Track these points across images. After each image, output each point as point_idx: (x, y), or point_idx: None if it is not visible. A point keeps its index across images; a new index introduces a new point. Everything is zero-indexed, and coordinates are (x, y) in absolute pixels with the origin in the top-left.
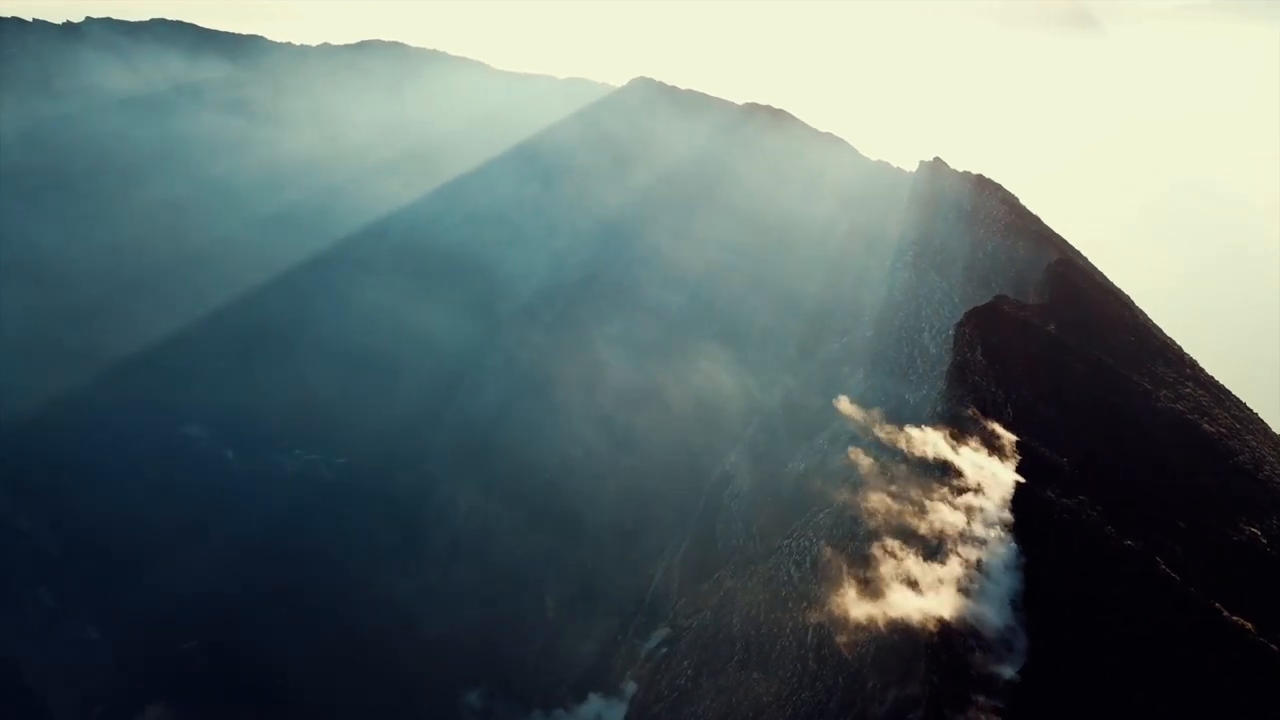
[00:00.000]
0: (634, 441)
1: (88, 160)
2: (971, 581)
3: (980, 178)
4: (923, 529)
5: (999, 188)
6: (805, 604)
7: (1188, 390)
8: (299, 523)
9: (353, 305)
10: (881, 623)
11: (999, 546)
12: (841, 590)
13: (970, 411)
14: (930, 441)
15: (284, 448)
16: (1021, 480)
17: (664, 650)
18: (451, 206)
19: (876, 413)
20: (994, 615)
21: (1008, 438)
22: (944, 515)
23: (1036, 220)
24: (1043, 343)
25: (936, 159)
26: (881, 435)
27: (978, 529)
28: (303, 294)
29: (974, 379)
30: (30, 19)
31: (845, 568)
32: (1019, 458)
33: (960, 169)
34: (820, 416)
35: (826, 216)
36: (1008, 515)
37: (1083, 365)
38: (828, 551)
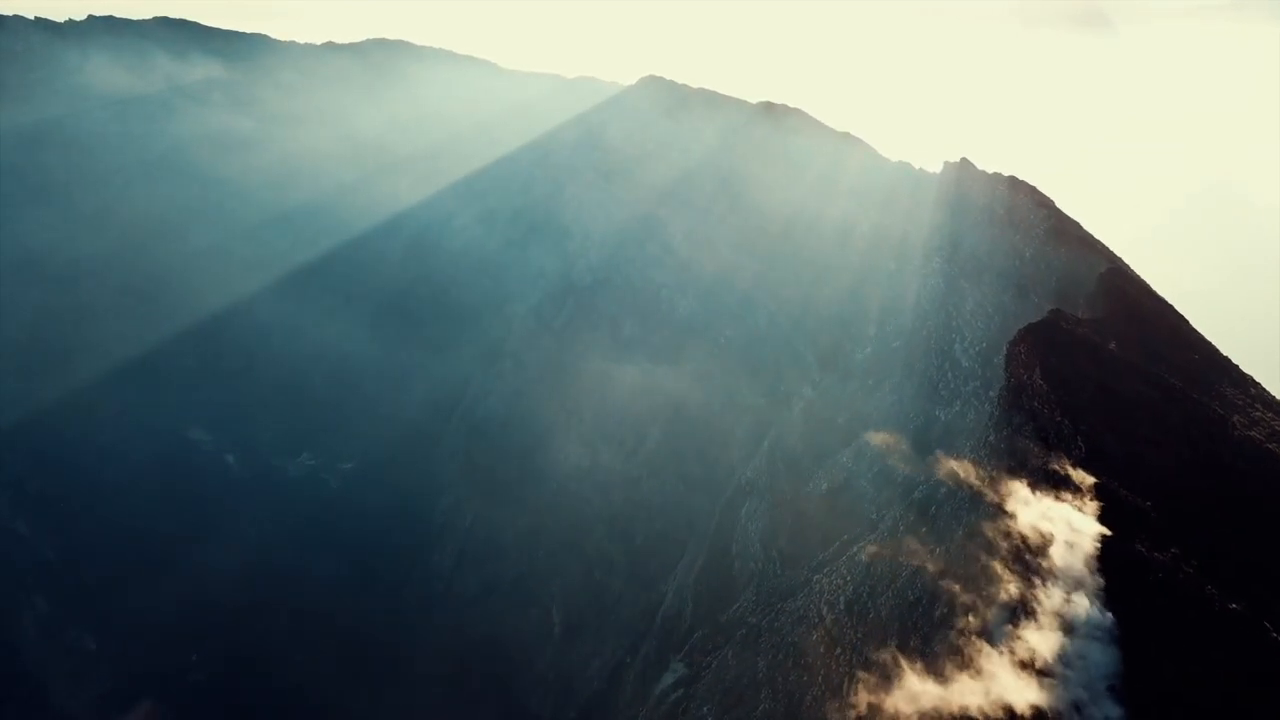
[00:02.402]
0: (643, 451)
1: (90, 160)
2: (1057, 661)
3: (1013, 179)
4: (992, 592)
5: (1034, 190)
6: (839, 650)
7: (1259, 414)
8: (300, 530)
9: (359, 307)
10: (946, 715)
11: (1088, 615)
12: (894, 668)
13: (1031, 443)
14: (987, 479)
15: (287, 453)
16: (1107, 532)
17: (679, 692)
18: (460, 207)
19: (902, 440)
20: (1089, 704)
21: (1083, 477)
22: (1015, 575)
23: (1077, 225)
24: (1106, 364)
25: (963, 159)
26: (918, 470)
27: (1060, 594)
28: (308, 296)
29: (1032, 405)
30: (33, 17)
31: (893, 634)
32: (1100, 502)
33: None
34: (843, 432)
35: (845, 219)
36: (1094, 576)
37: (1152, 390)
38: (870, 607)
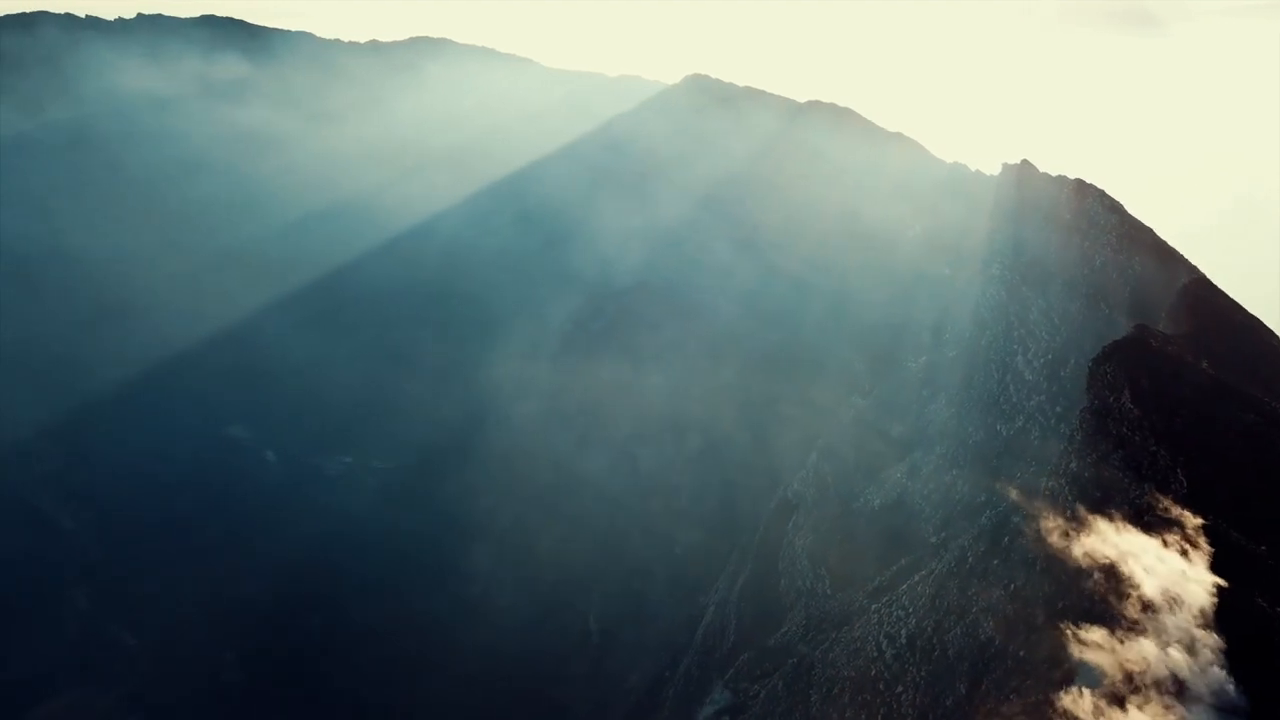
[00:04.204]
0: (683, 458)
1: (135, 157)
2: None
3: (1079, 182)
4: (1078, 640)
5: (1102, 193)
6: (901, 689)
7: None
8: (337, 530)
9: (398, 306)
10: None
11: (1206, 682)
12: (966, 714)
13: (1120, 474)
14: (1069, 510)
15: (325, 451)
16: (1222, 582)
17: None
18: (500, 206)
19: (961, 456)
20: None
21: (1186, 516)
22: (1126, 641)
23: (1150, 231)
24: (1202, 386)
25: (1024, 161)
26: (978, 489)
27: (1175, 657)
28: (344, 295)
29: (1121, 430)
30: (83, 15)
31: (962, 675)
32: (1211, 547)
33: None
34: (897, 444)
35: (897, 222)
36: (1210, 635)
37: (1255, 415)
38: (936, 643)
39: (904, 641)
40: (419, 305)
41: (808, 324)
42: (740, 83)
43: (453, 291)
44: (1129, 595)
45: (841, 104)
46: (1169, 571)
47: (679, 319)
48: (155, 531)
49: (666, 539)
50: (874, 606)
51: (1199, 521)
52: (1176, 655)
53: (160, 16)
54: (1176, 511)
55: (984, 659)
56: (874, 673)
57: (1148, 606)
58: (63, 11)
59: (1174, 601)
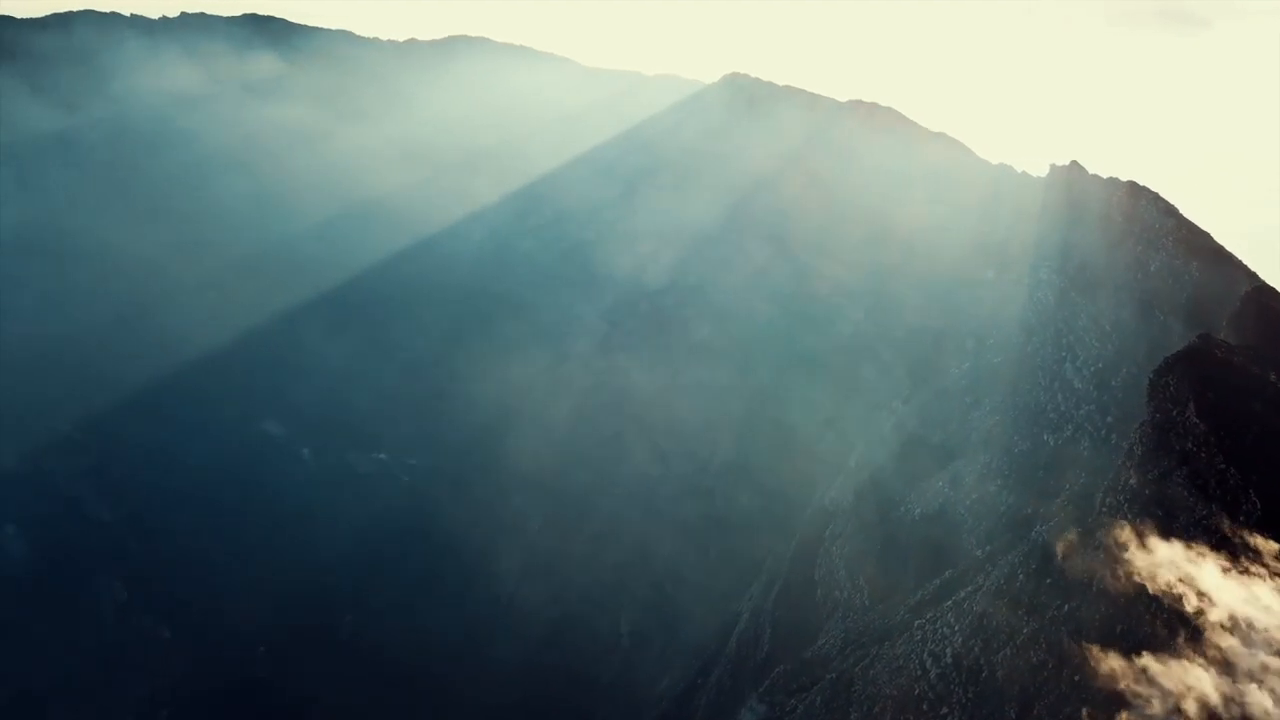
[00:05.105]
0: (716, 462)
1: (170, 154)
2: None
3: (1132, 184)
4: (1143, 685)
5: (1157, 196)
6: (945, 710)
7: None
8: (369, 527)
9: (432, 305)
10: None
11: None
12: None
13: (1185, 492)
14: (1130, 529)
15: (358, 448)
16: None
17: None
18: (534, 206)
19: (1006, 466)
20: None
21: (1263, 543)
22: (1188, 671)
23: (1208, 236)
24: (1274, 401)
25: (1073, 162)
26: (1024, 501)
27: (1244, 691)
28: (382, 291)
29: (1185, 447)
30: (129, 14)
31: (1013, 700)
32: None
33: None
34: (938, 453)
35: (940, 224)
36: None
37: None
38: (984, 664)
39: (949, 661)
40: (453, 304)
41: (846, 327)
42: (779, 81)
43: (486, 291)
44: (1194, 623)
45: (883, 103)
46: (1238, 599)
47: (713, 320)
48: (190, 525)
49: (699, 544)
50: (917, 623)
51: (1276, 547)
52: (1245, 688)
53: (203, 15)
54: (1248, 535)
55: (1035, 683)
56: (917, 692)
57: (1214, 636)
58: (108, 10)
59: (1244, 631)
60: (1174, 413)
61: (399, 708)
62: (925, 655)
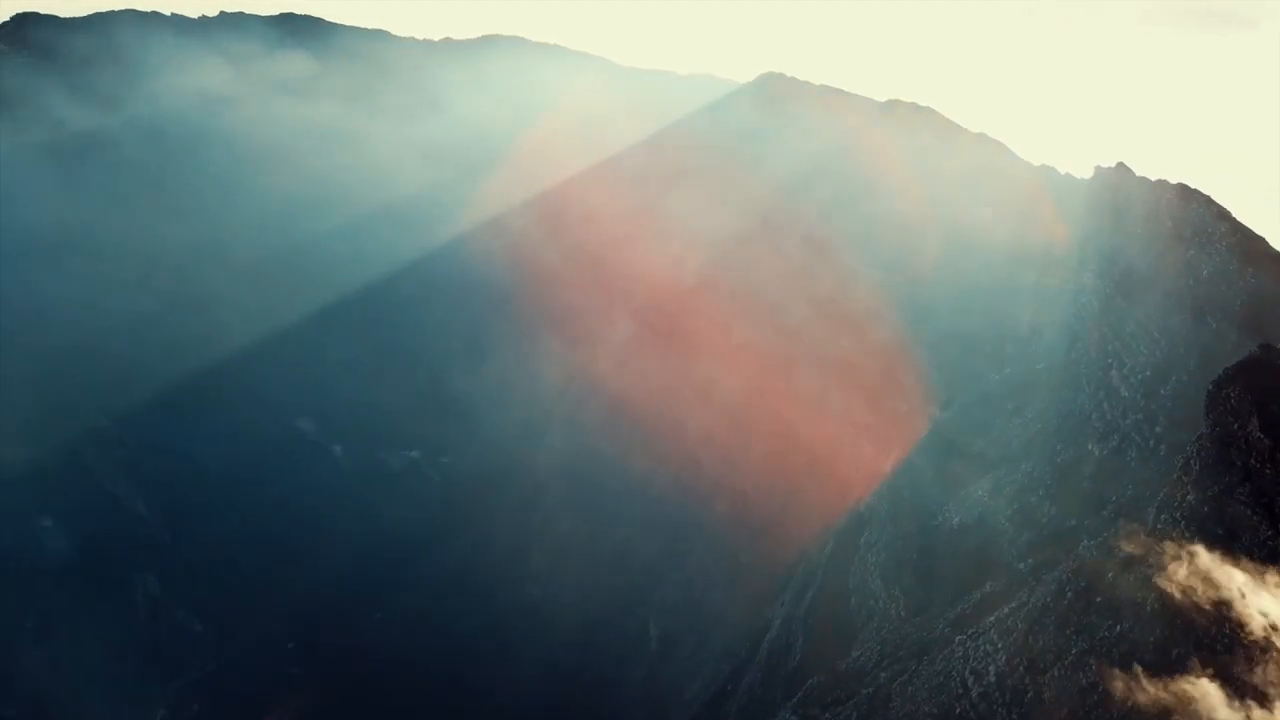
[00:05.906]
0: (749, 465)
1: (206, 153)
2: None
3: (1182, 187)
4: (1203, 710)
5: (1209, 200)
6: None
7: None
8: (400, 524)
9: (466, 303)
10: None
11: None
12: None
13: (1247, 510)
14: (1186, 548)
15: (391, 445)
16: None
17: None
18: (567, 206)
19: (1048, 476)
20: None
21: None
22: (1249, 705)
23: (1264, 241)
24: None
25: (1120, 164)
26: (1067, 512)
27: None
28: (415, 290)
29: (1247, 462)
30: (169, 14)
31: None
32: None
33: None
34: (978, 460)
35: (980, 226)
36: None
37: None
38: (1029, 685)
39: (992, 680)
40: (487, 303)
41: (884, 330)
42: (816, 81)
43: (520, 289)
44: (1258, 650)
45: (922, 103)
46: None
47: (749, 321)
48: (222, 520)
49: (731, 547)
50: (958, 638)
51: None
52: None
53: (241, 14)
54: None
55: (1084, 708)
56: (958, 711)
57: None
58: (149, 10)
59: None
60: (1235, 426)
61: (426, 706)
62: (967, 673)
